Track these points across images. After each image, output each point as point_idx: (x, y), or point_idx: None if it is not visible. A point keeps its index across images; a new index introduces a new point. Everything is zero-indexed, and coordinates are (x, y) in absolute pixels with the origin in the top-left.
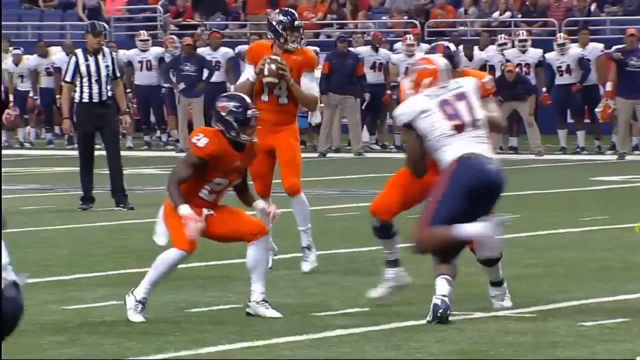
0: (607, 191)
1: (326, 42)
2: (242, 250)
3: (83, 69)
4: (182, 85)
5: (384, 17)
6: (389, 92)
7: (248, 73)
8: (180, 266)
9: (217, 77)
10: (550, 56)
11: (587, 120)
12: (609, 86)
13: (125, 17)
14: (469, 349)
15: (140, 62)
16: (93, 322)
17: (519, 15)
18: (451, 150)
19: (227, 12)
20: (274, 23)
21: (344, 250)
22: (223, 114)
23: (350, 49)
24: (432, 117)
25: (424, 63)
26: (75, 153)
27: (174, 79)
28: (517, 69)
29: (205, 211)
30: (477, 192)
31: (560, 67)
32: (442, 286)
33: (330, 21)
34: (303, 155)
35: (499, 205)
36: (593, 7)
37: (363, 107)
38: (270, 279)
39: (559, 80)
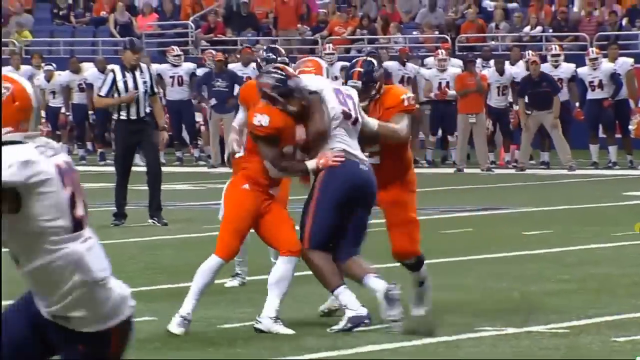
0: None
1: (357, 57)
2: (271, 267)
3: (121, 85)
4: (213, 101)
5: (414, 32)
6: (418, 106)
7: (241, 115)
8: (216, 282)
9: None
10: (583, 71)
11: (618, 135)
12: None
13: (157, 32)
14: None
15: (172, 77)
16: None
17: (550, 30)
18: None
19: (258, 28)
20: (259, 60)
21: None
22: (267, 90)
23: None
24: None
25: (310, 66)
26: (107, 169)
27: (205, 95)
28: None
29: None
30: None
31: (592, 82)
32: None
33: (361, 36)
34: None
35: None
36: (624, 21)
37: None
38: (302, 295)
39: (591, 95)
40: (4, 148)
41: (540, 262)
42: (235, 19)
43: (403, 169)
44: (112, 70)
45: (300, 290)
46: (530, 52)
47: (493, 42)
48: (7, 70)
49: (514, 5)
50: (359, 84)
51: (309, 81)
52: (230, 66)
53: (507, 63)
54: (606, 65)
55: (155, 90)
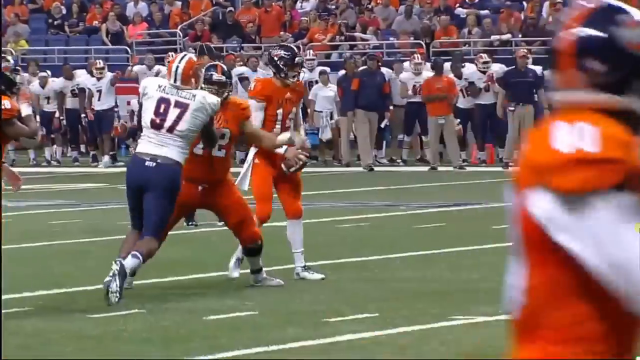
0: None
1: (337, 62)
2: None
3: None
4: None
5: (391, 38)
6: (391, 108)
7: (259, 115)
8: (199, 275)
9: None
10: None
11: None
12: None
13: (147, 41)
14: (472, 351)
15: None
16: (116, 330)
17: (520, 35)
18: (139, 144)
19: (243, 35)
20: (275, 58)
21: (354, 259)
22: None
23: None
24: (147, 102)
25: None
26: (99, 170)
27: None
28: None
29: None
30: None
31: None
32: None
33: (339, 42)
34: (315, 170)
35: None
36: None
37: (382, 125)
38: (283, 287)
39: None
40: None
41: (503, 255)
42: (222, 27)
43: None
44: None
45: (291, 280)
46: (484, 55)
47: (465, 47)
48: None
49: (486, 12)
50: (223, 78)
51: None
52: None
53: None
54: None
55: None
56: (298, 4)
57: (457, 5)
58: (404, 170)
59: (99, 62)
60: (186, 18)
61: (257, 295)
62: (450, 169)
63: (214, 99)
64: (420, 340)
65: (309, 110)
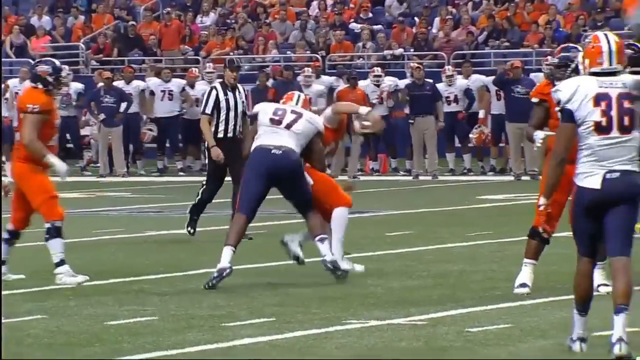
0: (491, 209)
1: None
2: (156, 267)
3: (223, 104)
4: (102, 116)
5: (289, 52)
6: None
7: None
8: (101, 282)
9: (132, 108)
10: (440, 87)
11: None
12: (482, 114)
13: (50, 53)
14: (366, 354)
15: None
16: (19, 335)
17: (412, 50)
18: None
19: (144, 49)
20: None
21: (252, 265)
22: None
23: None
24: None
25: None
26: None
27: (95, 110)
28: None
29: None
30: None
31: (448, 97)
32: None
33: (239, 56)
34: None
35: None
36: (481, 38)
37: None
38: (183, 292)
39: (447, 109)
40: None
41: (402, 260)
42: (123, 41)
43: None
44: (215, 88)
45: (190, 286)
46: (378, 68)
47: (359, 61)
48: None
49: (379, 27)
50: None
51: None
52: (116, 83)
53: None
54: (460, 81)
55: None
56: (198, 19)
57: (352, 20)
58: None
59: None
60: (88, 31)
61: (157, 301)
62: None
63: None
64: (316, 343)
65: None
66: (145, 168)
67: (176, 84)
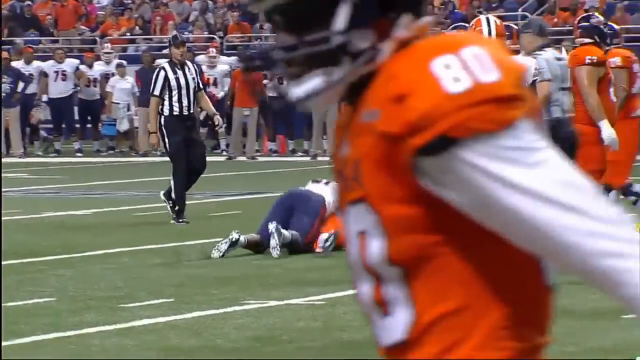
0: None
1: (134, 56)
2: (53, 249)
3: (173, 82)
4: None
5: (186, 32)
6: None
7: None
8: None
9: (30, 88)
10: None
11: None
12: None
13: None
14: (265, 334)
15: None
16: None
17: None
18: None
19: (41, 29)
20: None
21: (151, 246)
22: None
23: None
24: None
25: None
26: None
27: None
28: None
29: None
30: None
31: None
32: None
33: (136, 36)
34: (112, 160)
35: None
36: None
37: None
38: (81, 274)
39: None
40: None
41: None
42: (19, 21)
43: None
44: (163, 68)
45: (88, 268)
46: (213, 49)
47: (257, 42)
48: None
49: None
50: None
51: None
52: (14, 64)
53: None
54: None
55: (201, 85)
56: None
57: None
58: None
59: None
60: None
61: (55, 282)
62: (244, 159)
63: None
64: (214, 324)
65: (106, 102)
66: (41, 149)
67: (70, 64)
